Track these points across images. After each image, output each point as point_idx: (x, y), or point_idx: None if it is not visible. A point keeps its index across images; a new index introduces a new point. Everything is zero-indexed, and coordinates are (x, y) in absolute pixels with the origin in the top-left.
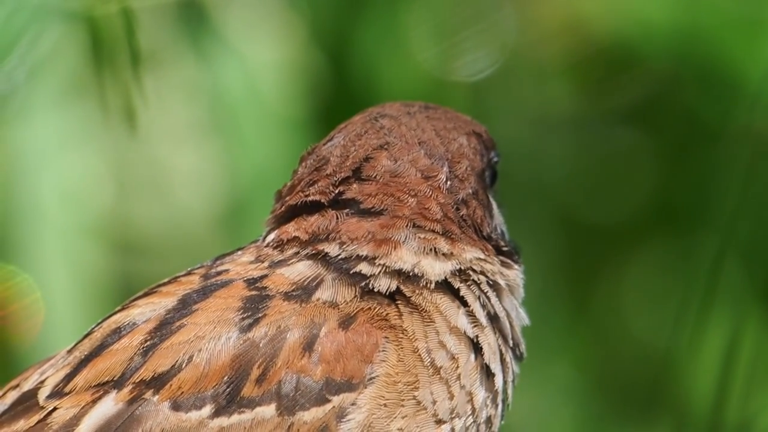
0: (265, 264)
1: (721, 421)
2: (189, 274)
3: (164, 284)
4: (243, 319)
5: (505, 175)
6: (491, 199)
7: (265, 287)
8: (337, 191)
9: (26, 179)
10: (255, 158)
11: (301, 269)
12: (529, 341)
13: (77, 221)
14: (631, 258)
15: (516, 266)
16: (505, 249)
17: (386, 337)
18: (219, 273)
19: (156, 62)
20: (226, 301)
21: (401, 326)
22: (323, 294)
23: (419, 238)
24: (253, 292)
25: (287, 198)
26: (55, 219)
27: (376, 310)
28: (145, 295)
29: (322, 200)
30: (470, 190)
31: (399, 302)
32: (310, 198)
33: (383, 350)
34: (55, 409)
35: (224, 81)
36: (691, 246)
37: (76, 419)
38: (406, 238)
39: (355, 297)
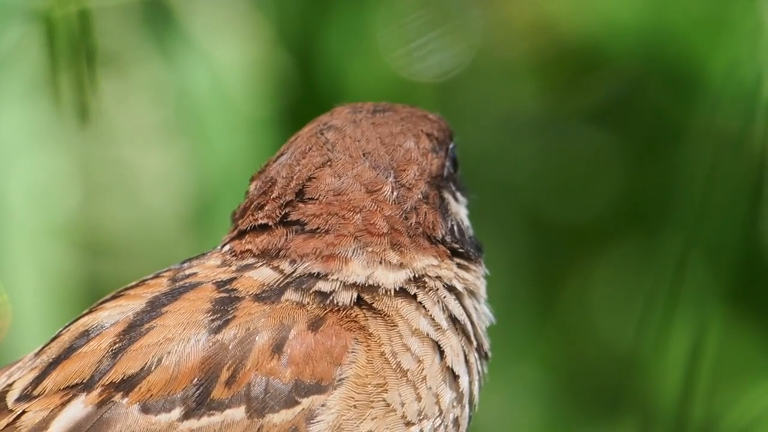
0: (233, 268)
1: (687, 420)
2: (157, 276)
3: (132, 287)
4: (212, 321)
5: (472, 175)
6: (449, 196)
7: (235, 289)
8: (282, 213)
9: None
10: (222, 159)
11: (269, 273)
12: (496, 341)
13: (44, 222)
14: (598, 258)
15: (474, 266)
16: (461, 251)
17: (355, 339)
18: (187, 276)
19: (122, 63)
20: (194, 304)
21: (368, 329)
22: (292, 296)
23: (367, 252)
24: (223, 294)
25: (239, 222)
26: (21, 220)
27: (345, 311)
28: (113, 298)
29: (270, 224)
30: (419, 196)
31: (363, 308)
32: (259, 222)
33: (352, 352)
34: (24, 412)
35: (191, 81)
36: (657, 246)
37: (45, 422)
38: (354, 253)
39: (321, 304)
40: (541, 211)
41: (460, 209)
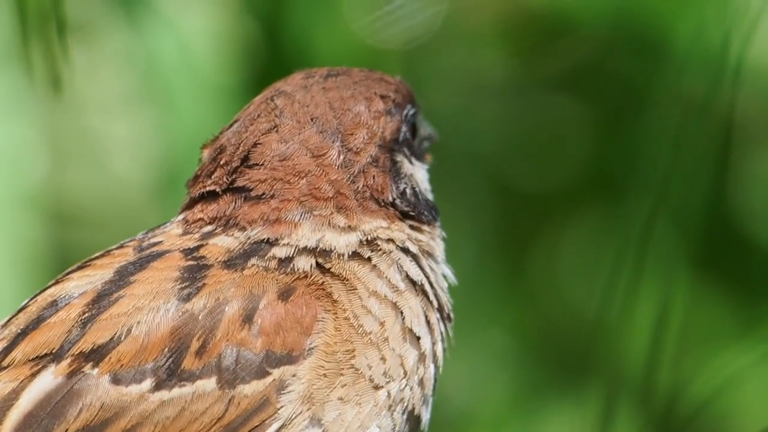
0: (196, 236)
1: (654, 386)
2: (121, 247)
3: (97, 257)
4: (182, 289)
5: (439, 143)
6: (402, 159)
7: (203, 256)
8: (230, 180)
9: None
10: (189, 127)
11: (230, 240)
12: (464, 308)
13: (12, 191)
14: (565, 224)
15: (427, 227)
16: (411, 213)
17: (324, 308)
18: (153, 245)
19: (88, 32)
20: (163, 272)
21: (333, 296)
22: (258, 261)
23: (314, 215)
24: (191, 262)
25: (191, 190)
26: None
27: (313, 277)
28: (79, 268)
29: (217, 190)
30: (368, 160)
31: (325, 273)
32: (208, 189)
33: (321, 321)
34: None
35: (158, 50)
36: (624, 212)
37: (15, 393)
38: (301, 218)
39: (283, 271)
40: (508, 178)
41: (416, 171)
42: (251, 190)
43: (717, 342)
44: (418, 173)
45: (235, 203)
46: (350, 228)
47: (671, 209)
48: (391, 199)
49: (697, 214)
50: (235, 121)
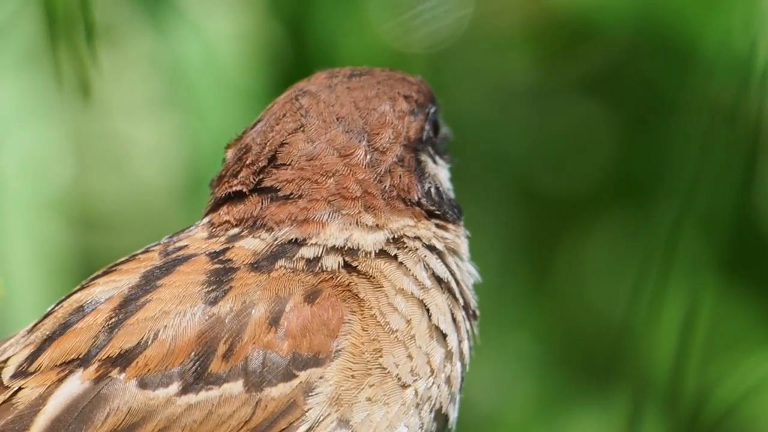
0: (222, 239)
1: (680, 390)
2: (147, 251)
3: (123, 262)
4: (208, 292)
5: (464, 146)
6: (426, 159)
7: (230, 259)
8: (257, 180)
9: None
10: (214, 131)
11: (257, 243)
12: (489, 312)
13: (37, 195)
14: (590, 229)
15: (452, 226)
16: (437, 212)
17: (351, 309)
18: (179, 248)
19: (114, 36)
20: (189, 276)
21: (359, 295)
22: (285, 263)
23: (342, 215)
24: (217, 265)
25: (216, 189)
26: (15, 193)
27: (339, 279)
28: (105, 273)
29: (244, 190)
30: (394, 159)
31: (351, 273)
32: (234, 189)
33: (348, 323)
34: (20, 388)
35: (183, 54)
36: (650, 216)
37: (42, 399)
38: (330, 217)
39: (311, 271)
40: (533, 182)
41: (439, 171)
42: (279, 190)
43: (744, 346)
44: (441, 173)
45: (262, 204)
46: (378, 227)
47: (698, 213)
48: (416, 198)
49: (724, 219)
50: (259, 121)
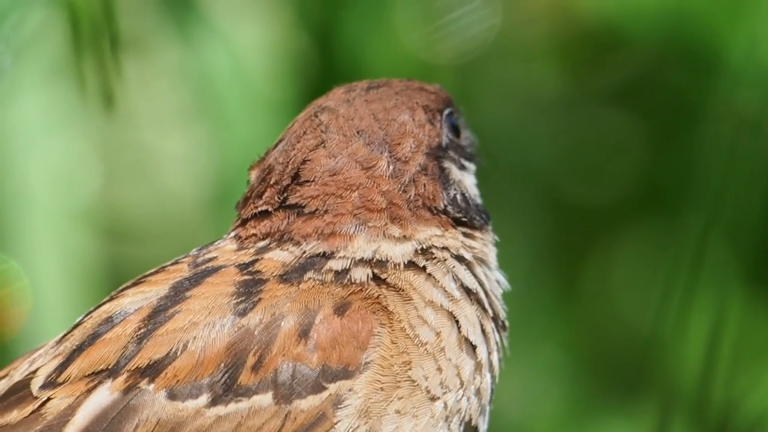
0: (251, 251)
1: (708, 401)
2: (176, 263)
3: (152, 274)
4: (238, 304)
5: (492, 156)
6: (450, 165)
7: (259, 271)
8: (281, 199)
9: (13, 164)
10: (242, 141)
11: (285, 255)
12: (517, 322)
13: (65, 206)
14: (618, 239)
15: (480, 234)
16: (464, 219)
17: (380, 321)
18: (208, 260)
19: (142, 47)
20: (218, 287)
21: (389, 308)
22: (314, 274)
23: (368, 227)
24: (246, 277)
25: (242, 211)
26: (43, 204)
27: (368, 291)
28: (134, 284)
29: (270, 209)
30: (417, 168)
31: (380, 285)
32: (260, 209)
33: (377, 335)
34: (49, 399)
35: (210, 64)
36: (677, 226)
37: (71, 409)
38: (356, 230)
39: (340, 284)
40: (561, 192)
41: (464, 177)
42: (304, 206)
43: None
44: (467, 179)
45: (288, 219)
46: (405, 238)
47: (725, 224)
48: (442, 206)
49: (751, 229)
50: (281, 141)
